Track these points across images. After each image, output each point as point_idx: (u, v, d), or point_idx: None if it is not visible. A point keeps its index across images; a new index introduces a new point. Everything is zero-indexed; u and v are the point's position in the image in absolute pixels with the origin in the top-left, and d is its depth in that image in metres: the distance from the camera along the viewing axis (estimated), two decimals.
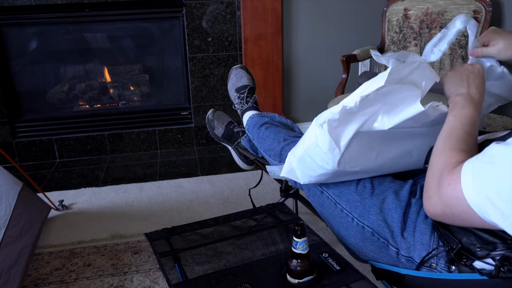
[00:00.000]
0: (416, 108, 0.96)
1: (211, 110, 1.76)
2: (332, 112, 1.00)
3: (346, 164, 1.03)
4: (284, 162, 1.28)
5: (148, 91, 2.89)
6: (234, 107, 1.70)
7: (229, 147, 1.75)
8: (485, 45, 1.09)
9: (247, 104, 1.64)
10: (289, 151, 1.28)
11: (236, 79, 1.69)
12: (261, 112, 1.61)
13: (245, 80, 1.68)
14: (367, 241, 1.04)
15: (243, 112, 1.65)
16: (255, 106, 1.65)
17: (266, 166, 1.36)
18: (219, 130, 1.72)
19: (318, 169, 1.06)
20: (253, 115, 1.59)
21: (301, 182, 1.14)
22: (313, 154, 1.05)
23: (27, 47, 2.63)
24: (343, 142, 1.00)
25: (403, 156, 1.09)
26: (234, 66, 1.74)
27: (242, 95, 1.65)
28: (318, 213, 1.22)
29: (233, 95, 1.70)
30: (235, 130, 1.70)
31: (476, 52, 1.09)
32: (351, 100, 0.97)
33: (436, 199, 0.85)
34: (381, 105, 0.98)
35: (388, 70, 0.94)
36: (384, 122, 0.99)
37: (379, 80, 0.94)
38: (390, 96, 0.96)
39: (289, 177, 1.17)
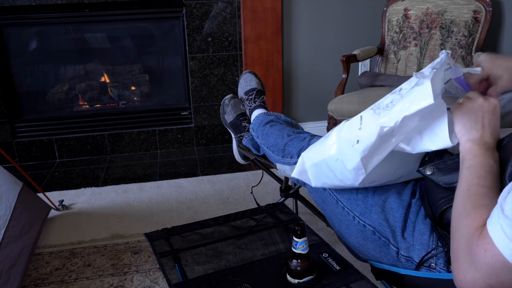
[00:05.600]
0: (445, 141, 0.88)
1: (230, 95, 1.80)
2: (356, 130, 0.94)
3: (366, 180, 0.99)
4: (287, 157, 1.28)
5: (148, 91, 2.89)
6: (242, 107, 1.75)
7: (232, 135, 1.79)
8: (489, 82, 0.98)
9: (255, 103, 1.69)
10: (292, 146, 1.28)
11: (245, 83, 1.76)
12: (268, 111, 1.64)
13: (254, 84, 1.75)
14: (367, 240, 1.04)
15: (251, 112, 1.69)
16: (262, 105, 1.70)
17: (277, 164, 1.34)
18: (229, 117, 1.76)
19: (336, 181, 1.04)
20: (259, 114, 1.63)
21: (313, 185, 1.12)
22: (333, 166, 1.02)
23: (27, 47, 2.63)
24: (371, 165, 0.94)
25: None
26: (244, 71, 1.80)
27: (250, 97, 1.71)
28: (320, 209, 1.21)
29: (242, 98, 1.76)
30: (243, 123, 1.73)
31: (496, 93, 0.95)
32: (391, 119, 0.88)
33: (474, 274, 0.72)
34: (418, 122, 0.89)
35: (428, 84, 0.84)
36: (414, 145, 0.91)
37: (424, 96, 0.84)
38: (428, 112, 0.87)
39: (300, 178, 1.14)
